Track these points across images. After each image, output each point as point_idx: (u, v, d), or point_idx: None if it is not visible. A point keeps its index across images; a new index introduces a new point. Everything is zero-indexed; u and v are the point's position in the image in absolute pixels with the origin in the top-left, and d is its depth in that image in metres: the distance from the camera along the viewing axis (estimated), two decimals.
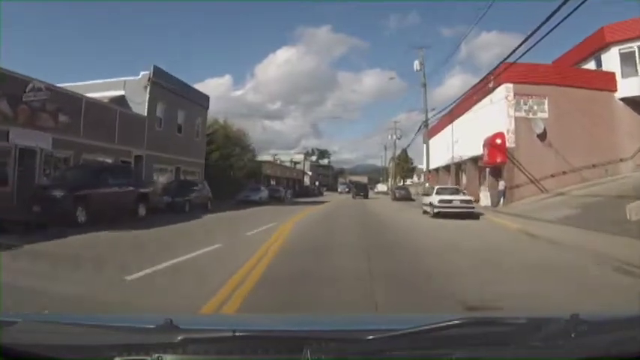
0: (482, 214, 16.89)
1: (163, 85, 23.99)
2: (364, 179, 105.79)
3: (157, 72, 23.45)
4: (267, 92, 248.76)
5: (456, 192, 18.14)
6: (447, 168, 36.83)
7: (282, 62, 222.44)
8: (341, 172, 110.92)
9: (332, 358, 1.17)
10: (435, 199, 17.08)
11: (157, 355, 1.16)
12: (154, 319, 1.39)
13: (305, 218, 16.33)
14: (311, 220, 15.37)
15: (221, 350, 1.20)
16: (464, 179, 32.68)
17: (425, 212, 18.52)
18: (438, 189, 18.22)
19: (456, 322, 1.31)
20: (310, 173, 77.41)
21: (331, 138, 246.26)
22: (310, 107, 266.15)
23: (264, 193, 31.66)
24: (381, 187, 69.55)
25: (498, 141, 22.09)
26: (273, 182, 51.01)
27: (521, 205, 19.29)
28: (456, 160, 32.87)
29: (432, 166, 40.75)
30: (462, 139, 30.04)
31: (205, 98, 29.94)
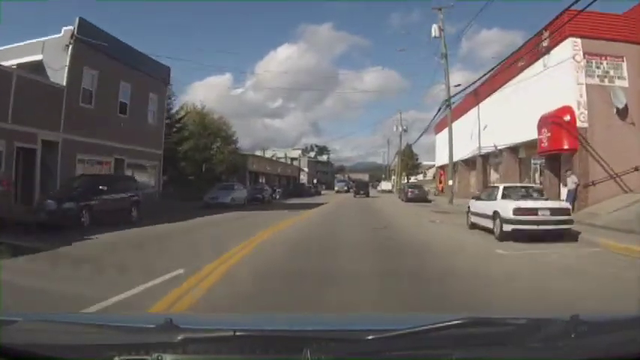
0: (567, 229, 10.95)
1: (94, 45, 19.06)
2: (365, 177, 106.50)
3: (85, 27, 20.39)
4: (267, 90, 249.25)
5: (539, 195, 12.73)
6: (467, 162, 33.12)
7: (282, 60, 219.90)
8: (341, 169, 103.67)
9: (332, 358, 1.23)
10: (504, 207, 10.97)
11: (156, 354, 1.20)
12: (153, 319, 1.45)
13: (279, 237, 11.62)
14: (285, 246, 10.16)
15: (221, 350, 1.25)
16: (492, 175, 28.99)
17: (473, 226, 13.25)
18: (504, 189, 12.39)
19: (456, 322, 1.37)
20: (307, 170, 70.67)
21: (332, 136, 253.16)
22: (311, 105, 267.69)
23: (238, 193, 27.67)
24: (385, 184, 63.72)
25: (567, 117, 16.81)
26: (262, 179, 43.89)
27: (604, 212, 14.20)
28: (483, 151, 28.24)
29: (443, 161, 36.89)
30: (493, 124, 25.68)
31: (164, 70, 23.03)
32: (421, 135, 61.37)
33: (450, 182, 27.23)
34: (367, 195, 45.02)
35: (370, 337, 1.30)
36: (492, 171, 29.39)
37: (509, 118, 22.42)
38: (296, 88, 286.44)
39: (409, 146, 72.13)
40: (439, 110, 31.21)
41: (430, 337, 1.33)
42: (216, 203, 24.00)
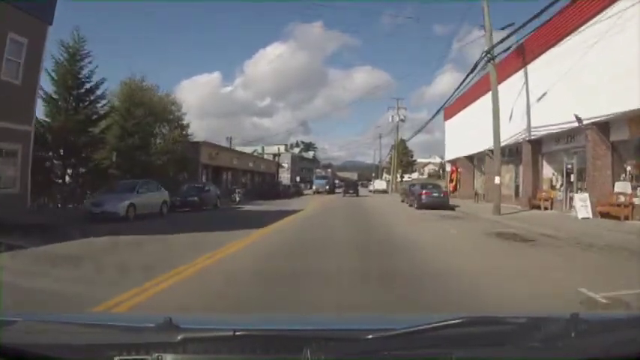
0: None
1: None
2: (354, 176, 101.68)
3: None
4: (255, 89, 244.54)
5: None
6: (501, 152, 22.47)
7: (271, 59, 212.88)
8: (327, 167, 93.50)
9: (332, 358, 1.22)
10: None
11: (156, 354, 1.20)
12: (153, 319, 1.43)
13: None
14: None
15: (221, 350, 1.24)
16: (544, 169, 20.66)
17: None
18: None
19: (456, 321, 1.36)
20: (286, 166, 60.69)
21: (320, 135, 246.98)
22: (299, 105, 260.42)
23: (147, 196, 17.62)
24: (379, 184, 54.48)
25: None
26: (227, 176, 34.17)
27: None
28: (537, 133, 19.65)
29: (456, 153, 32.27)
30: (555, 92, 17.39)
31: (44, 5, 12.29)
32: (418, 131, 51.70)
33: (498, 180, 17.70)
34: (357, 194, 43.48)
35: (370, 337, 1.29)
36: (545, 163, 20.15)
37: (586, 79, 14.84)
38: (285, 87, 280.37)
39: (403, 142, 66.82)
40: (474, 68, 21.36)
41: (430, 336, 1.32)
42: (102, 214, 14.35)
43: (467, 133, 29.33)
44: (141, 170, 25.68)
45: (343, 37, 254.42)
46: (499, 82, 22.55)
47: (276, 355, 1.24)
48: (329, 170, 66.29)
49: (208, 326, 1.51)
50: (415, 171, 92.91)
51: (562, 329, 1.34)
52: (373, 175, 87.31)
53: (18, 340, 1.28)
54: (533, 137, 19.85)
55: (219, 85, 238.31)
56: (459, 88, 24.99)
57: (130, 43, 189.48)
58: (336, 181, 71.54)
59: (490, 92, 22.40)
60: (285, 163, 65.67)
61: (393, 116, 52.99)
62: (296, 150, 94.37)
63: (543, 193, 19.53)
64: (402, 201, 30.75)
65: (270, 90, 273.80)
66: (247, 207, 25.33)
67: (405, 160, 75.24)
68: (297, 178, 66.65)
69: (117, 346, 1.22)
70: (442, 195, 23.68)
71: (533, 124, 19.55)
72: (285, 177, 65.35)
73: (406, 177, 75.85)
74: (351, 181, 60.40)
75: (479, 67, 20.95)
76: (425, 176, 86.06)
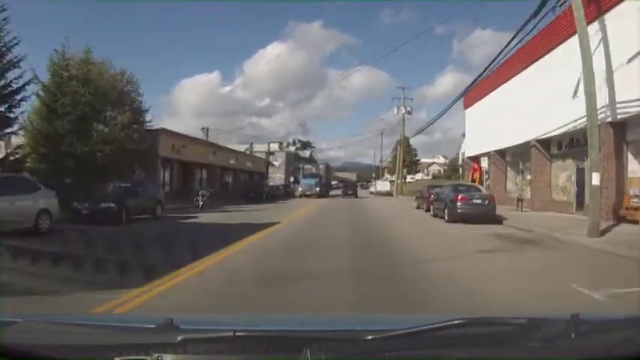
0: None
1: None
2: (353, 176, 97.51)
3: None
4: (255, 89, 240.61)
5: None
6: (547, 144, 18.64)
7: (271, 58, 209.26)
8: (314, 163, 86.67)
9: (332, 358, 1.20)
10: None
11: (156, 355, 1.18)
12: (153, 319, 1.42)
13: None
14: None
15: (221, 350, 1.23)
16: (628, 166, 14.21)
17: None
18: None
19: (456, 322, 1.34)
20: (277, 164, 53.52)
21: (319, 136, 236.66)
22: (299, 105, 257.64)
23: None
24: (382, 184, 48.48)
25: None
26: (202, 174, 28.07)
27: None
28: (633, 110, 12.95)
29: (478, 149, 26.51)
30: None
31: None
32: (430, 124, 45.02)
33: (596, 179, 11.09)
34: (355, 195, 42.24)
35: (370, 337, 1.27)
36: (630, 156, 14.07)
37: None
38: (284, 87, 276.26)
39: (407, 140, 60.19)
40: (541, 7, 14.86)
41: (430, 337, 1.31)
42: None
43: (496, 123, 23.20)
44: (75, 163, 19.55)
45: (342, 36, 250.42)
46: (552, 49, 16.31)
47: (276, 355, 1.22)
48: (321, 167, 49.41)
49: (208, 327, 1.53)
50: (419, 171, 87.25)
51: (562, 330, 1.34)
52: (373, 175, 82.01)
53: (19, 340, 1.27)
54: (619, 118, 13.62)
55: (218, 85, 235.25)
56: (498, 57, 18.71)
57: (130, 42, 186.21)
58: (334, 182, 64.99)
59: (530, 66, 16.39)
60: (276, 162, 58.68)
61: (398, 108, 46.14)
62: (292, 149, 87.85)
63: (634, 200, 13.33)
64: (418, 207, 24.56)
65: (269, 90, 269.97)
66: (205, 217, 18.52)
67: (408, 159, 69.71)
68: (292, 179, 60.14)
69: (117, 347, 1.21)
70: (487, 202, 16.08)
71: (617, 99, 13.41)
72: (278, 177, 59.00)
73: (409, 178, 70.36)
74: (350, 181, 58.19)
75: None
76: (429, 177, 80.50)
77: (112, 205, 15.23)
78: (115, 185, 17.73)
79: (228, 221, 16.70)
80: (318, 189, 39.85)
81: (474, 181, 27.13)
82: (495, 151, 24.49)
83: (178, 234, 13.16)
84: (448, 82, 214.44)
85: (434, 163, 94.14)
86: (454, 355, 1.22)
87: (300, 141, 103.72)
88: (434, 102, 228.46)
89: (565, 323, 1.35)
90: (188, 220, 17.36)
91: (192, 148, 31.67)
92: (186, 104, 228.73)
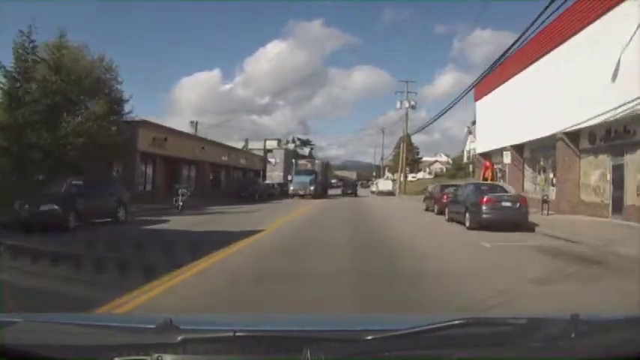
0: None
1: None
2: (353, 175, 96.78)
3: None
4: (255, 87, 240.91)
5: None
6: (576, 136, 16.17)
7: (271, 56, 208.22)
8: (326, 165, 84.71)
9: (332, 358, 1.20)
10: None
11: (156, 355, 1.18)
12: (153, 319, 1.41)
13: None
14: None
15: (221, 350, 1.23)
16: None
17: None
18: None
19: (456, 322, 1.33)
20: (273, 162, 51.11)
21: (319, 134, 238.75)
22: (299, 103, 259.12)
23: None
24: (384, 183, 46.44)
25: None
26: (189, 172, 25.78)
27: None
28: None
29: (491, 145, 23.55)
30: None
31: None
32: (437, 117, 41.85)
33: None
34: (355, 194, 42.27)
35: (370, 337, 1.27)
36: None
37: None
38: (284, 86, 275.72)
39: (409, 137, 57.66)
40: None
41: (430, 337, 1.30)
42: None
43: (513, 115, 20.92)
44: (42, 157, 17.40)
45: (344, 35, 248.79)
46: (585, 26, 14.14)
47: (276, 356, 1.22)
48: (317, 162, 43.26)
49: (208, 327, 1.51)
50: (420, 170, 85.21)
51: (562, 330, 1.33)
52: (374, 174, 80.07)
53: (19, 340, 1.27)
54: None
55: (218, 83, 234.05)
56: (518, 40, 16.23)
57: (128, 41, 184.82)
58: (334, 181, 62.65)
59: (556, 49, 14.16)
60: (272, 159, 55.84)
61: (401, 102, 43.31)
62: (291, 146, 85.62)
63: None
64: (428, 209, 21.72)
65: (270, 88, 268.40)
66: (177, 221, 15.62)
67: (409, 157, 67.67)
68: (289, 177, 57.63)
69: (117, 347, 1.21)
70: (518, 205, 13.47)
71: None
72: (277, 175, 56.72)
73: (410, 177, 68.20)
74: (350, 180, 58.60)
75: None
76: (431, 176, 78.52)
77: (55, 207, 12.54)
78: (67, 183, 14.57)
79: (200, 228, 14.00)
80: (312, 188, 34.51)
81: (485, 179, 24.90)
82: (512, 146, 21.17)
83: (117, 248, 9.27)
84: (448, 81, 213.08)
85: (436, 161, 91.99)
86: (455, 355, 1.22)
87: (299, 139, 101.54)
88: (433, 101, 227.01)
89: (565, 323, 1.35)
90: (153, 227, 14.50)
91: (177, 142, 28.57)
92: (186, 102, 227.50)
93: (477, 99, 27.36)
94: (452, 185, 20.95)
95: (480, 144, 27.75)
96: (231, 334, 1.21)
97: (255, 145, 57.01)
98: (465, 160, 51.39)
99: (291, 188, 35.64)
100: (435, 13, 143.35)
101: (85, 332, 1.44)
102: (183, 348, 1.17)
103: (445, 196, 18.06)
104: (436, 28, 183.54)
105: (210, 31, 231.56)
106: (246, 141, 50.89)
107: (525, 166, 22.11)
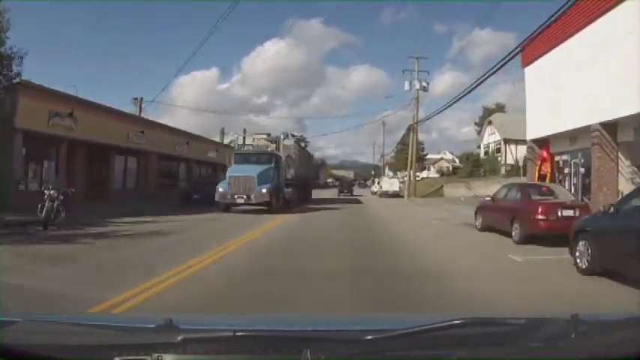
0: None
1: None
2: (350, 174, 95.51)
3: None
4: (253, 86, 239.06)
5: None
6: None
7: (269, 55, 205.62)
8: (306, 154, 76.90)
9: (332, 358, 1.19)
10: None
11: (156, 355, 1.17)
12: (153, 319, 1.42)
13: None
14: None
15: (221, 350, 1.23)
16: None
17: None
18: None
19: (456, 322, 1.33)
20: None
21: (317, 134, 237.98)
22: (297, 102, 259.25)
23: None
24: (389, 183, 39.41)
25: None
26: (125, 165, 17.05)
27: None
28: None
29: (551, 129, 16.27)
30: None
31: None
32: (464, 94, 27.22)
33: None
34: (351, 194, 41.94)
35: (370, 337, 1.27)
36: None
37: None
38: (282, 85, 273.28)
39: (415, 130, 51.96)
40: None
41: (430, 337, 1.30)
42: None
43: (591, 80, 13.44)
44: None
45: (343, 34, 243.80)
46: None
47: (276, 356, 1.22)
48: (286, 144, 24.15)
49: (208, 327, 1.51)
50: (425, 168, 78.26)
51: (562, 330, 1.34)
52: (372, 172, 73.41)
53: (19, 340, 1.26)
54: None
55: (215, 82, 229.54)
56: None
57: (127, 40, 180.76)
58: (329, 180, 55.44)
59: None
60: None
61: (411, 82, 34.39)
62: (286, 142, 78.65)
63: None
64: (483, 228, 12.56)
65: (267, 87, 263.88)
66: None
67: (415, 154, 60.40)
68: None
69: (117, 347, 1.21)
70: None
71: None
72: None
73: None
74: (347, 180, 57.04)
75: None
76: (437, 175, 71.86)
77: None
78: None
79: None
80: (265, 191, 17.88)
81: (542, 176, 17.34)
82: (600, 123, 13.33)
83: None
84: (447, 80, 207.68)
85: (441, 159, 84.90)
86: (454, 355, 1.23)
87: (293, 135, 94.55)
88: (432, 101, 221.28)
89: (565, 323, 1.36)
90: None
91: (100, 122, 19.51)
92: (183, 101, 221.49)
93: (525, 64, 19.36)
94: (533, 185, 12.94)
95: (534, 127, 18.64)
96: (231, 334, 1.21)
97: (247, 141, 49.41)
98: (483, 155, 44.34)
99: (220, 190, 18.49)
100: (435, 13, 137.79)
101: (85, 332, 1.46)
102: (183, 348, 1.18)
103: (544, 208, 9.76)
104: (436, 27, 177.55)
105: (208, 30, 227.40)
106: (222, 130, 40.45)
107: (620, 155, 13.58)
